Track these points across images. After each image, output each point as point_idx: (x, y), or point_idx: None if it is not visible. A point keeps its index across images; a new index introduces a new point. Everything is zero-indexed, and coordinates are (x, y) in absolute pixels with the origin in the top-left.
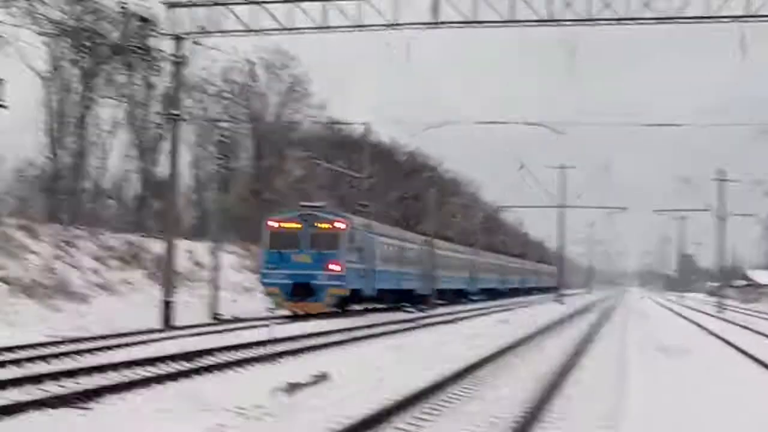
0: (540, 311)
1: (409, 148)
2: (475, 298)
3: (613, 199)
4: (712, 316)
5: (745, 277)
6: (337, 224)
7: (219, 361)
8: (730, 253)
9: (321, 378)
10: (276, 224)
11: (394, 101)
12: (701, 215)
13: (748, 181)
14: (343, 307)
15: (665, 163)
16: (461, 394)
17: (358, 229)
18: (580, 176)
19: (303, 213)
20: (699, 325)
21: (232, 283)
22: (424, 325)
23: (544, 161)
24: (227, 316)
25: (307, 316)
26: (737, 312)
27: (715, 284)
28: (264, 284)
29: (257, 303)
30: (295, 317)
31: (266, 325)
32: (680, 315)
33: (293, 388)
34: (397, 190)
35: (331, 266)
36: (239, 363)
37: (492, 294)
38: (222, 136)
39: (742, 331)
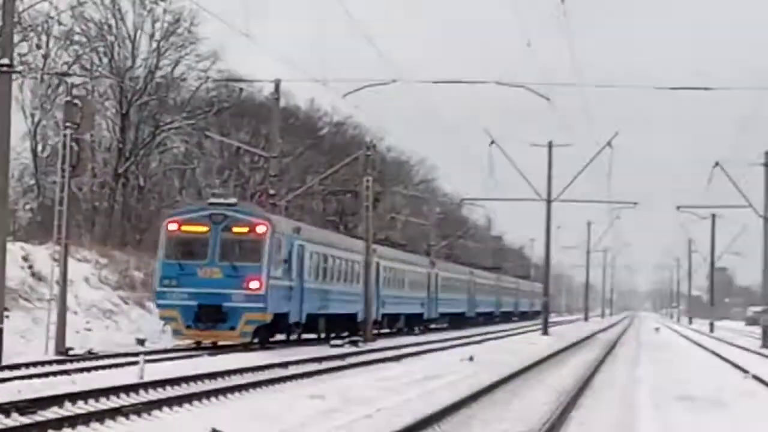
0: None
1: (336, 116)
2: (433, 326)
3: (621, 191)
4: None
5: None
6: (258, 228)
7: (66, 413)
8: None
9: None
10: (176, 226)
11: (318, 51)
12: (740, 214)
13: None
14: (263, 337)
15: (689, 141)
16: None
17: (284, 234)
18: (576, 158)
19: (213, 212)
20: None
21: (87, 303)
22: (359, 364)
23: (525, 137)
24: (80, 351)
25: (194, 350)
26: None
27: (758, 309)
28: (159, 306)
29: (123, 332)
30: (177, 351)
31: (136, 363)
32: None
33: None
34: (320, 174)
35: (249, 283)
36: (97, 417)
37: (459, 321)
38: (72, 96)
39: None
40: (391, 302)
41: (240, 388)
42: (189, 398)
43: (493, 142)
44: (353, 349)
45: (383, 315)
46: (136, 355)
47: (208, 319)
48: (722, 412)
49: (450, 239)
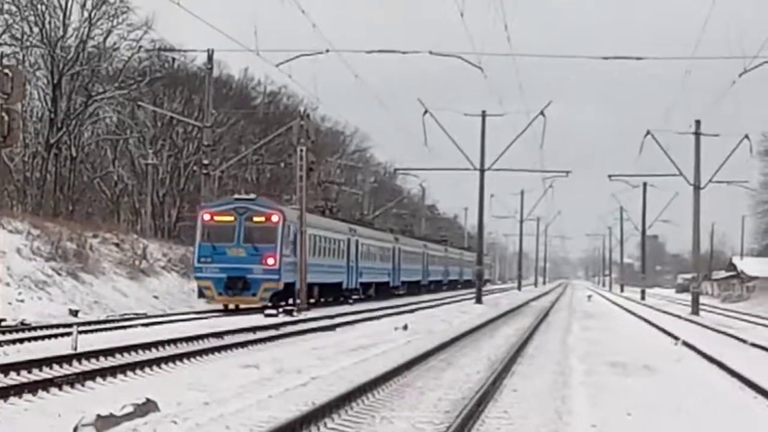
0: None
1: (270, 86)
2: (355, 297)
3: (554, 161)
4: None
5: (730, 267)
6: (272, 217)
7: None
8: (709, 234)
9: (145, 409)
10: (209, 217)
11: (252, 20)
12: (671, 182)
13: (732, 136)
14: (276, 302)
15: (622, 112)
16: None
17: (292, 221)
18: (509, 128)
19: (237, 205)
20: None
21: (19, 274)
22: (293, 334)
23: (459, 107)
24: (12, 322)
25: (129, 320)
26: (717, 313)
27: (688, 277)
28: (197, 278)
29: (56, 303)
30: (112, 322)
31: (69, 334)
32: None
33: (106, 423)
34: (253, 144)
35: (267, 260)
36: (30, 389)
37: (415, 288)
38: (3, 65)
39: (723, 340)
40: (366, 273)
41: (174, 358)
42: (123, 369)
43: (426, 112)
44: (288, 318)
45: (360, 284)
46: (69, 326)
47: (235, 287)
48: (652, 377)
49: (383, 208)
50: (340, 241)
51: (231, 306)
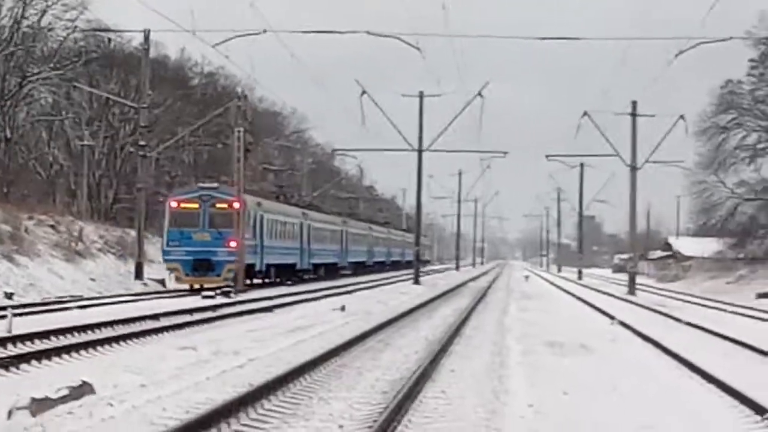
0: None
1: (207, 67)
2: (307, 277)
3: (492, 142)
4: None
5: (666, 247)
6: (233, 204)
7: None
8: (645, 214)
9: (81, 391)
10: (176, 204)
11: (188, 0)
12: (608, 162)
13: (668, 116)
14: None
15: (560, 93)
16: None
17: (252, 207)
18: (447, 109)
19: (202, 193)
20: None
21: None
22: (231, 315)
23: (397, 88)
24: None
25: (63, 302)
26: (653, 293)
27: (625, 257)
28: (166, 260)
29: None
30: (46, 305)
31: (3, 317)
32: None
33: (41, 406)
34: (191, 125)
35: (230, 243)
36: None
37: (360, 268)
38: None
39: (657, 319)
40: (317, 254)
41: (110, 340)
42: (58, 351)
43: (364, 93)
44: (225, 300)
45: (312, 264)
46: (3, 308)
47: (200, 269)
48: (588, 356)
49: (322, 189)
50: (294, 224)
51: (196, 286)
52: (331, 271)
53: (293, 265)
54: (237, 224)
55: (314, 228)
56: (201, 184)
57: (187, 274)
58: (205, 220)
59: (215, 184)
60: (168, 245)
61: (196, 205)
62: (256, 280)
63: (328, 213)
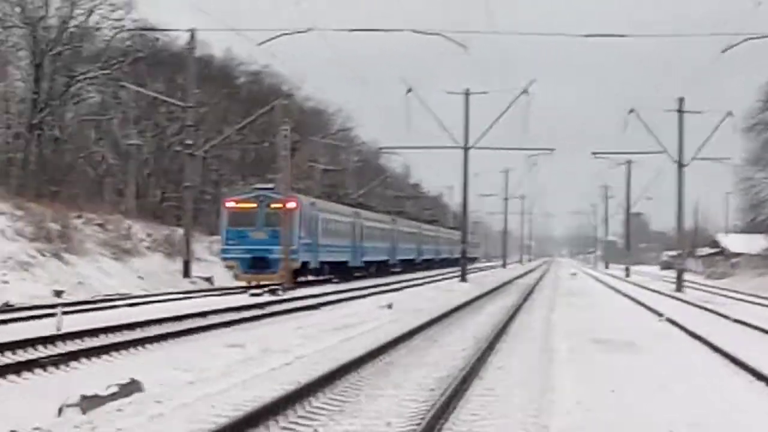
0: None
1: (253, 66)
2: (358, 274)
3: (538, 138)
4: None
5: (714, 244)
6: (288, 204)
7: None
8: (693, 211)
9: (130, 388)
10: (234, 204)
11: (234, 0)
12: (655, 159)
13: (715, 112)
14: (294, 278)
15: (605, 90)
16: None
17: (307, 207)
18: (493, 106)
19: (258, 194)
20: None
21: (3, 255)
22: (278, 313)
23: (442, 86)
24: None
25: (112, 301)
26: (701, 290)
27: (672, 254)
28: (224, 259)
29: (40, 284)
30: (94, 303)
31: (53, 315)
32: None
33: (90, 403)
34: (237, 124)
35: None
36: (14, 370)
37: (410, 266)
38: None
39: (709, 318)
40: (368, 252)
41: (159, 338)
42: (107, 349)
43: (410, 91)
44: (273, 297)
45: (364, 262)
46: (53, 307)
47: (257, 266)
48: (636, 354)
49: (368, 187)
50: (347, 223)
51: (253, 283)
52: (381, 268)
53: (346, 263)
54: (293, 223)
55: (366, 227)
56: (257, 185)
57: (244, 272)
58: (261, 219)
59: (271, 185)
60: (226, 244)
61: (254, 205)
62: (309, 278)
63: (378, 212)
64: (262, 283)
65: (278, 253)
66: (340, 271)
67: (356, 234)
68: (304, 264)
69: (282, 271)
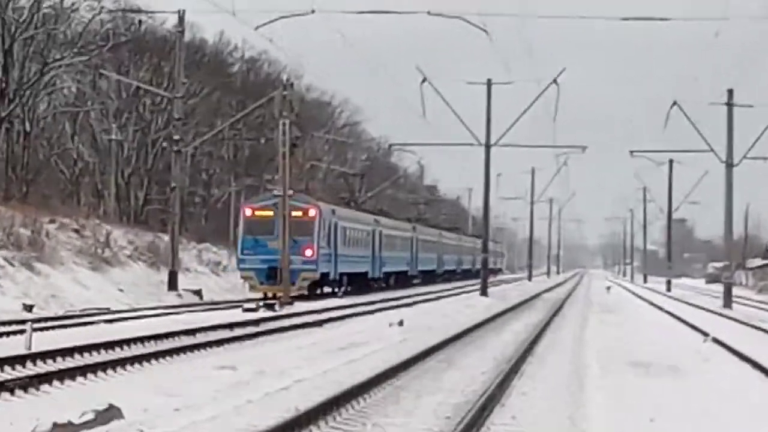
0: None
1: (249, 52)
2: (377, 286)
3: (568, 135)
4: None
5: (767, 254)
6: (309, 212)
7: None
8: (743, 217)
9: (108, 415)
10: (251, 212)
11: None
12: (700, 159)
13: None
14: (312, 290)
15: (645, 80)
16: None
17: (327, 214)
18: (518, 99)
19: (276, 201)
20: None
21: None
22: (276, 330)
23: (461, 75)
24: None
25: (86, 316)
26: (752, 306)
27: (719, 265)
28: (241, 269)
29: (7, 297)
30: (68, 318)
31: (22, 331)
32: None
33: (63, 431)
34: (230, 117)
35: (305, 252)
36: None
37: (430, 277)
38: None
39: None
40: (388, 262)
41: (141, 358)
42: (83, 370)
43: (425, 80)
44: (269, 313)
45: (383, 273)
46: (23, 322)
47: (275, 277)
48: (678, 378)
49: (377, 189)
50: (366, 232)
51: (270, 294)
52: (400, 279)
53: (365, 274)
54: (314, 232)
55: (386, 235)
56: (275, 192)
57: (261, 283)
58: (280, 227)
59: (290, 192)
60: (242, 253)
61: (271, 213)
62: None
63: (398, 219)
64: (278, 295)
65: (297, 264)
66: (359, 283)
67: (376, 243)
68: (323, 275)
69: (301, 283)
